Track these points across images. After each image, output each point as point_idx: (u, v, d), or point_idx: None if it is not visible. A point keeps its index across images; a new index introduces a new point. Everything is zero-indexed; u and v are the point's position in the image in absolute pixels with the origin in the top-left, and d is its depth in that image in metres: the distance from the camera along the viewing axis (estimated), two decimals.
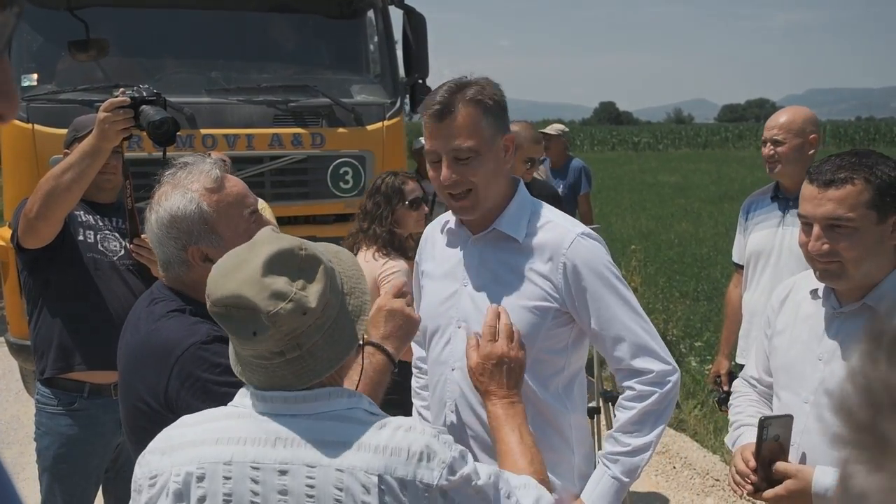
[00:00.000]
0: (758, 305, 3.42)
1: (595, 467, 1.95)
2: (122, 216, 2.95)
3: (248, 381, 1.38)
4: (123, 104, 2.55)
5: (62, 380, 2.89)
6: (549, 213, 1.99)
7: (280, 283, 1.30)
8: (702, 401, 5.83)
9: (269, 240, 1.37)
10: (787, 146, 3.29)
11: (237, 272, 1.31)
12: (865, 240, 1.84)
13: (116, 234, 2.93)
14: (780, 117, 3.37)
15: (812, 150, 3.30)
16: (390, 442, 1.29)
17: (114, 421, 2.81)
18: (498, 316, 1.80)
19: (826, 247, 1.87)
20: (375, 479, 1.26)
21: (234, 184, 1.84)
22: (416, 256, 2.25)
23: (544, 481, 1.53)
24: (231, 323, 1.32)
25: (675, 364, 1.92)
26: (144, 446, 1.55)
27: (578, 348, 1.98)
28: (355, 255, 3.28)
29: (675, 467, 4.88)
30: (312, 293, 1.31)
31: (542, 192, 3.92)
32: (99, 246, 2.89)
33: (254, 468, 1.30)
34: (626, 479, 1.88)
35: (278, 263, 1.32)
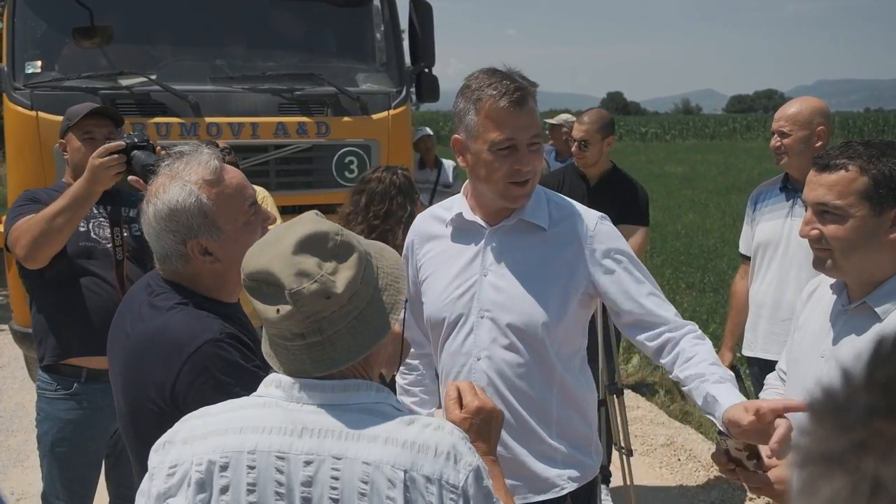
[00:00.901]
0: (765, 297, 3.39)
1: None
2: (110, 202, 2.98)
3: (275, 364, 1.37)
4: (118, 149, 2.66)
5: (61, 366, 2.93)
6: (563, 200, 2.09)
7: (309, 263, 1.29)
8: None
9: (309, 220, 1.36)
10: (793, 138, 3.26)
11: (271, 248, 1.32)
12: (856, 230, 1.78)
13: (109, 221, 2.96)
14: (789, 108, 3.33)
15: (820, 142, 3.26)
16: (418, 438, 1.28)
17: (111, 406, 2.82)
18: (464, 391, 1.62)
19: (815, 232, 1.84)
20: (402, 474, 1.25)
21: (233, 175, 1.80)
22: (406, 250, 2.22)
23: None
24: (260, 298, 1.32)
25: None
26: (143, 442, 1.53)
27: (587, 326, 2.11)
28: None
29: (679, 460, 4.87)
30: (341, 279, 1.30)
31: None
32: (91, 234, 2.92)
33: (279, 458, 1.28)
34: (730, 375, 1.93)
35: (311, 244, 1.31)
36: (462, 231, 2.06)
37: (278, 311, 1.29)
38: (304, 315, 1.29)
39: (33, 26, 4.86)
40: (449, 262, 2.08)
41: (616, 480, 4.10)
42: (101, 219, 2.94)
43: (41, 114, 4.50)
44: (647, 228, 3.97)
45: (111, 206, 2.98)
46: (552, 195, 2.08)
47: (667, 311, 2.02)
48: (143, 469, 1.56)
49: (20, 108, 4.54)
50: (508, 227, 2.01)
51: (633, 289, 2.00)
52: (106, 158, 2.64)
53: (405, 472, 1.26)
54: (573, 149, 4.09)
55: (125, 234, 2.97)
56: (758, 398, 2.28)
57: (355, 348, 1.34)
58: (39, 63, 4.74)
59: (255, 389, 1.54)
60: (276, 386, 1.36)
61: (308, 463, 1.28)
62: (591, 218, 2.04)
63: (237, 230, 1.76)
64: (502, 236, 2.01)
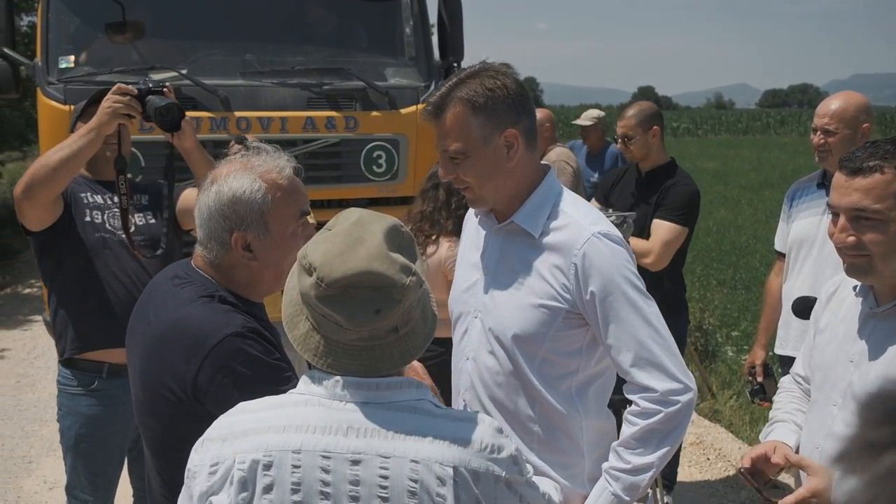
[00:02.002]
0: (799, 295, 3.32)
1: None
2: (131, 191, 2.95)
3: (343, 369, 1.34)
4: (131, 93, 2.65)
5: (81, 360, 2.92)
6: (571, 207, 1.87)
7: (401, 257, 1.31)
8: (738, 391, 5.74)
9: (375, 218, 1.37)
10: (839, 136, 3.13)
11: (357, 250, 1.30)
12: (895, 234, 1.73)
13: (121, 209, 2.91)
14: (832, 104, 3.20)
15: (865, 141, 3.16)
16: (463, 434, 1.30)
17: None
18: None
19: (851, 239, 1.77)
20: (451, 470, 1.27)
21: (299, 186, 1.84)
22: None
23: None
24: (348, 304, 1.29)
25: (688, 382, 1.78)
26: (160, 432, 1.53)
27: (596, 352, 1.86)
28: (428, 246, 3.25)
29: (709, 459, 4.81)
30: (420, 268, 1.34)
31: None
32: (107, 225, 2.91)
33: (324, 457, 1.28)
34: (626, 497, 1.78)
35: (393, 239, 1.33)
36: (482, 226, 2.01)
37: (378, 311, 1.28)
38: (405, 309, 1.32)
39: (66, 22, 4.92)
40: (467, 254, 2.05)
41: None
42: (116, 209, 2.93)
43: (74, 108, 4.54)
44: (677, 226, 3.72)
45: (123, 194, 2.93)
46: (567, 200, 1.89)
47: (628, 363, 1.77)
48: (155, 452, 1.56)
49: (53, 103, 4.60)
50: (506, 229, 1.91)
51: (610, 319, 1.77)
52: (118, 97, 2.63)
53: (454, 468, 1.27)
54: (619, 145, 4.01)
55: (140, 223, 2.96)
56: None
57: (425, 336, 1.39)
58: (72, 58, 4.78)
59: (276, 384, 1.53)
60: (317, 384, 1.35)
61: (355, 462, 1.27)
62: (585, 231, 1.81)
63: (283, 237, 1.79)
64: (503, 237, 1.93)
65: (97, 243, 2.87)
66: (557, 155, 5.91)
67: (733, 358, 6.43)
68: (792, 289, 3.37)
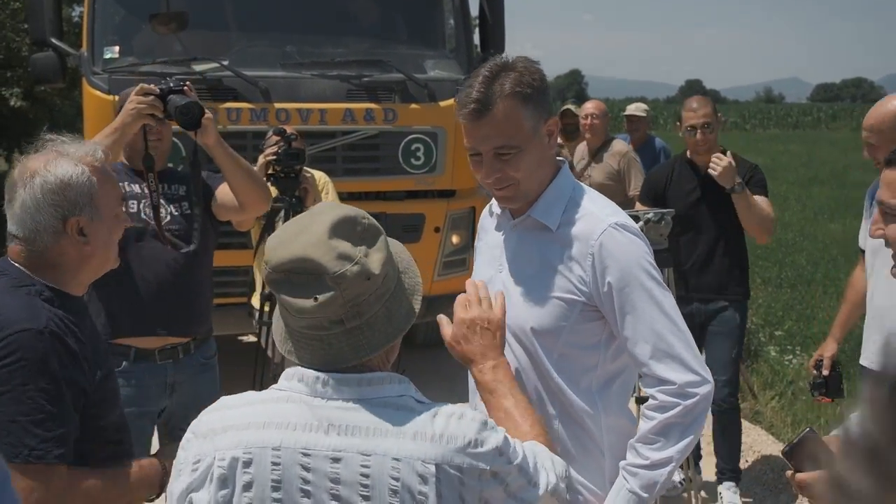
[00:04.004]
0: (883, 298, 3.08)
1: None
2: (167, 181, 2.99)
3: (300, 358, 1.35)
4: (153, 92, 2.70)
5: (111, 345, 2.95)
6: (587, 200, 1.85)
7: (346, 246, 1.30)
8: (780, 392, 5.61)
9: (331, 208, 1.37)
10: (882, 149, 3.00)
11: (299, 237, 1.31)
12: None
13: (161, 200, 2.95)
14: (871, 118, 3.01)
15: None
16: (445, 430, 1.29)
17: (158, 385, 2.91)
18: (476, 288, 1.75)
19: (880, 231, 1.72)
20: (433, 468, 1.26)
21: (111, 171, 1.92)
22: None
23: (547, 441, 1.54)
24: (290, 289, 1.30)
25: (705, 374, 1.75)
26: None
27: (615, 346, 1.83)
28: None
29: (746, 461, 4.72)
30: (375, 260, 1.32)
31: None
32: (142, 214, 2.93)
33: (304, 455, 1.27)
34: (645, 494, 1.74)
35: (342, 228, 1.32)
36: (498, 222, 1.99)
37: (316, 298, 1.28)
38: (346, 299, 1.29)
39: (112, 12, 4.99)
40: (484, 253, 2.03)
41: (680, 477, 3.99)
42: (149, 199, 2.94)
43: (119, 98, 4.61)
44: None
45: (165, 184, 2.98)
46: (582, 193, 1.87)
47: (646, 355, 1.74)
48: None
49: (98, 93, 4.67)
50: (523, 224, 1.88)
51: (626, 311, 1.74)
52: (141, 97, 2.70)
53: (436, 465, 1.26)
54: (693, 137, 3.89)
55: (175, 214, 2.98)
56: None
57: (391, 331, 1.36)
58: (117, 48, 4.86)
59: (52, 397, 1.61)
60: (298, 380, 1.34)
61: (336, 460, 1.27)
62: (601, 222, 1.77)
63: (111, 219, 1.85)
64: (519, 233, 1.89)
65: (131, 232, 2.89)
66: (627, 147, 5.82)
67: (776, 358, 6.30)
68: (874, 290, 3.20)
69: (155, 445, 3.12)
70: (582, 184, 1.93)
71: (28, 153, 1.86)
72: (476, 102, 1.73)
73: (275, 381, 1.41)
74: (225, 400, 1.40)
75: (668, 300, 1.78)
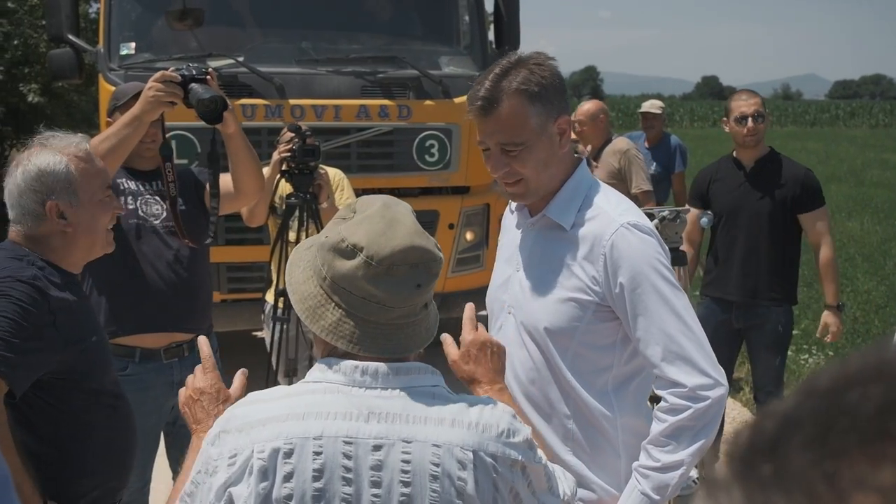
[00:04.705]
0: None
1: None
2: (158, 178, 2.96)
3: (379, 350, 1.35)
4: (174, 80, 2.62)
5: (114, 345, 2.93)
6: (602, 198, 1.84)
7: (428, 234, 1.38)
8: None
9: (397, 201, 1.42)
10: None
11: (396, 228, 1.33)
12: None
13: (157, 198, 2.95)
14: None
15: None
16: (481, 419, 1.32)
17: (165, 384, 2.90)
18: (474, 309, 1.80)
19: None
20: (471, 454, 1.29)
21: (98, 161, 2.14)
22: None
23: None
24: (392, 280, 1.32)
25: (718, 377, 1.73)
26: None
27: (630, 347, 1.82)
28: None
29: None
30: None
31: None
32: (140, 211, 2.92)
33: (346, 443, 1.29)
34: (657, 497, 1.73)
35: (416, 219, 1.39)
36: (517, 221, 1.99)
37: (419, 285, 1.34)
38: (434, 283, 1.38)
39: (128, 9, 5.01)
40: (503, 251, 2.03)
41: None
42: (148, 196, 2.94)
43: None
44: (825, 208, 3.84)
45: (159, 181, 2.95)
46: (597, 191, 1.86)
47: (657, 357, 1.72)
48: None
49: (114, 89, 4.68)
50: (539, 224, 1.88)
51: (638, 312, 1.73)
52: (160, 84, 2.61)
53: (474, 452, 1.29)
54: (744, 126, 3.81)
55: (181, 209, 2.96)
56: None
57: (436, 314, 1.45)
58: (133, 45, 4.88)
59: (17, 327, 1.87)
60: (334, 371, 1.35)
61: (377, 447, 1.29)
62: (614, 222, 1.76)
63: (93, 203, 2.07)
64: (536, 232, 1.89)
65: (130, 230, 2.89)
66: (628, 144, 5.74)
67: (792, 357, 6.25)
68: None
69: (160, 446, 3.13)
70: (599, 181, 1.92)
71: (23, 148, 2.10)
72: (482, 99, 1.75)
73: (286, 375, 1.42)
74: (255, 394, 1.40)
75: (681, 301, 1.76)
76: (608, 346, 1.82)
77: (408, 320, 1.37)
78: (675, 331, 1.72)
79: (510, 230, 2.02)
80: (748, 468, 0.40)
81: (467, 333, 1.70)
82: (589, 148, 5.27)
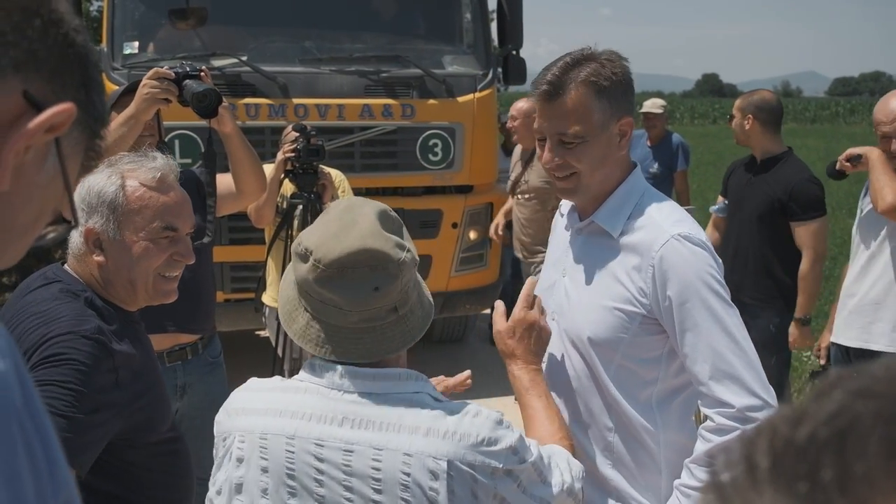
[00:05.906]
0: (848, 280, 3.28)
1: None
2: None
3: (346, 355, 1.34)
4: (167, 76, 2.62)
5: None
6: (654, 207, 1.76)
7: (395, 235, 1.34)
8: (798, 388, 5.59)
9: (362, 202, 1.40)
10: None
11: (351, 231, 1.31)
12: None
13: None
14: (889, 103, 3.02)
15: None
16: (458, 428, 1.29)
17: (168, 388, 2.84)
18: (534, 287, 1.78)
19: None
20: (444, 464, 1.26)
21: (169, 197, 1.77)
22: None
23: (571, 445, 1.56)
24: (347, 284, 1.30)
25: (768, 398, 1.64)
26: None
27: (676, 362, 1.74)
28: None
29: None
30: (413, 247, 1.36)
31: None
32: None
33: (318, 445, 1.30)
34: None
35: (385, 220, 1.35)
36: (567, 224, 1.92)
37: (377, 287, 1.30)
38: (401, 286, 1.32)
39: (131, 8, 5.01)
40: (552, 253, 1.97)
41: None
42: None
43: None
44: (816, 222, 3.63)
45: None
46: (650, 199, 1.78)
47: (705, 374, 1.65)
48: None
49: (117, 88, 4.69)
50: (587, 230, 1.81)
51: (686, 326, 1.66)
52: (155, 81, 2.60)
53: (448, 462, 1.27)
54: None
55: None
56: None
57: (423, 317, 1.39)
58: (136, 44, 4.88)
59: (81, 403, 1.53)
60: (316, 372, 1.35)
61: (347, 451, 1.29)
62: (664, 233, 1.68)
63: (133, 241, 1.73)
64: (584, 237, 1.83)
65: None
66: None
67: (794, 354, 6.26)
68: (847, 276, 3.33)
69: None
70: (653, 188, 1.84)
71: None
72: (549, 84, 1.69)
73: (291, 375, 1.43)
74: (254, 381, 1.43)
75: (732, 318, 1.69)
76: (654, 360, 1.75)
77: (372, 324, 1.33)
78: (724, 348, 1.65)
79: (559, 232, 1.97)
80: (791, 473, 0.40)
81: (519, 310, 1.71)
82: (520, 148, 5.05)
